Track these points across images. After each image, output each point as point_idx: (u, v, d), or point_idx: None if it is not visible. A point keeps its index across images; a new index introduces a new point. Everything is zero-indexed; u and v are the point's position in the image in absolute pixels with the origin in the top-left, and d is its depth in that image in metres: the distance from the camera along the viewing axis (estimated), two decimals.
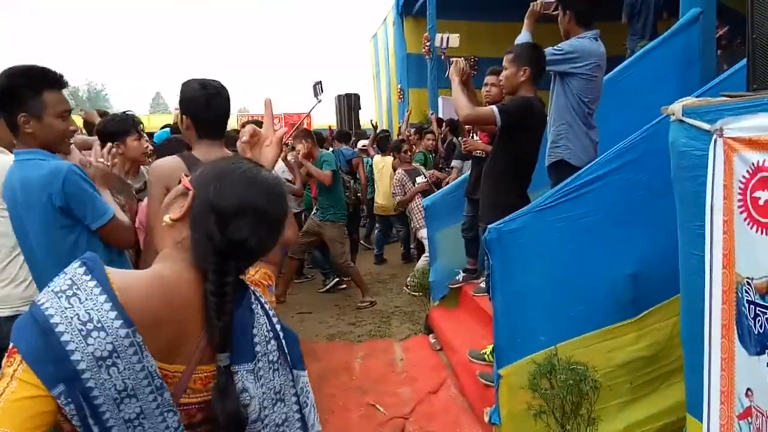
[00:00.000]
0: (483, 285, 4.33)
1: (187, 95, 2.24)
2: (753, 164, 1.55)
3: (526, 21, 3.59)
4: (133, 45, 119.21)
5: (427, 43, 10.05)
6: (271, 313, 1.18)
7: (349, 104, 13.04)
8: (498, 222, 2.77)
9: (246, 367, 1.08)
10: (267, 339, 1.13)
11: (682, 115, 1.74)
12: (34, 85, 2.05)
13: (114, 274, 0.96)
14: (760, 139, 1.50)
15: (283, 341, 1.16)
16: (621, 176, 2.67)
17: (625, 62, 4.32)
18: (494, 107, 3.18)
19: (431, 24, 9.93)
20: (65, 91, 2.18)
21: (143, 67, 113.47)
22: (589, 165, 2.78)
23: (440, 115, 10.16)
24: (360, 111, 13.86)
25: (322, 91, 7.83)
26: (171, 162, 2.21)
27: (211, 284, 1.04)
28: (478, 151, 4.51)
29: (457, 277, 4.80)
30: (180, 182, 1.14)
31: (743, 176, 1.59)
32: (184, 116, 2.25)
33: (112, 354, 0.89)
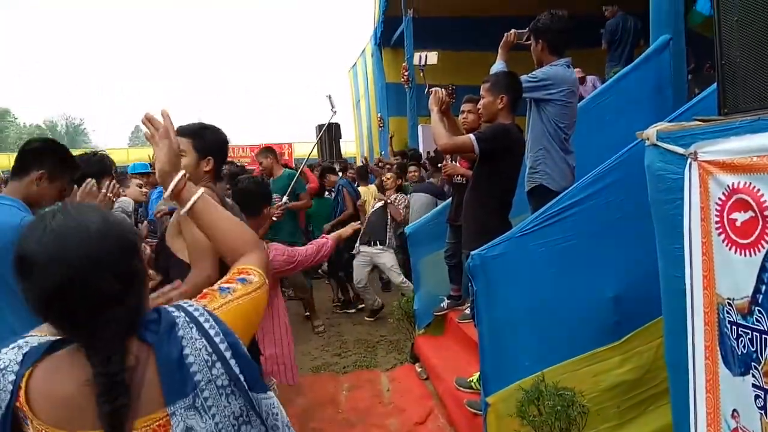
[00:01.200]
0: (468, 311, 4.32)
1: (219, 141, 2.40)
2: (728, 186, 1.57)
3: (500, 51, 3.66)
4: (111, 78, 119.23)
5: (406, 73, 10.20)
6: (212, 332, 1.06)
7: (330, 134, 13.11)
8: (481, 248, 2.78)
9: (183, 404, 1.00)
10: (209, 364, 1.03)
11: (657, 140, 1.77)
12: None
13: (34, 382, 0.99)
14: (733, 162, 1.53)
15: (232, 362, 1.05)
16: (600, 200, 2.70)
17: (600, 88, 4.41)
18: (472, 135, 3.22)
19: (409, 54, 10.08)
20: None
21: (121, 100, 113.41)
22: (567, 190, 2.81)
23: (421, 143, 10.26)
24: (341, 140, 13.95)
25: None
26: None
27: (95, 366, 0.96)
28: (458, 178, 4.53)
29: (442, 305, 4.78)
30: None
31: (719, 198, 1.61)
32: (208, 158, 2.35)
33: None
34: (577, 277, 2.74)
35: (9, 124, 61.65)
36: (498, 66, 3.57)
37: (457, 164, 4.65)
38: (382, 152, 11.73)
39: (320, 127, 12.99)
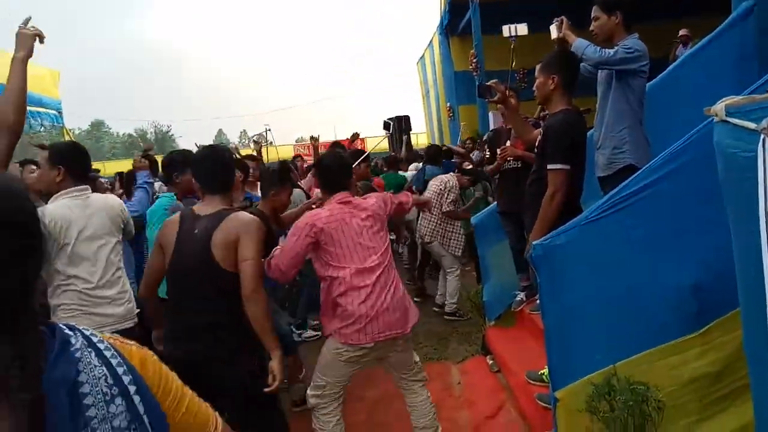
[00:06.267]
0: (539, 302, 4.19)
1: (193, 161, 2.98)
2: None
3: (568, 34, 3.50)
4: (194, 84, 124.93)
5: (474, 60, 10.02)
6: (114, 362, 0.89)
7: (399, 126, 13.09)
8: (544, 237, 2.68)
9: None
10: (107, 398, 0.85)
11: (726, 116, 1.63)
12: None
13: None
14: None
15: (136, 398, 0.89)
16: (673, 181, 2.52)
17: (677, 62, 4.15)
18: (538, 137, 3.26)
19: (477, 41, 9.91)
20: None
21: (205, 106, 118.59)
22: (636, 173, 2.65)
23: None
24: (411, 132, 13.90)
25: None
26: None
27: None
28: (512, 162, 4.42)
29: (518, 299, 4.66)
30: None
31: None
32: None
33: None
34: (650, 264, 2.58)
35: (103, 134, 66.09)
36: (578, 45, 3.33)
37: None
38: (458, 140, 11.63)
39: (386, 122, 13.03)
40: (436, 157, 7.39)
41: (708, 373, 2.52)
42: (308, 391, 3.02)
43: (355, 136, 7.99)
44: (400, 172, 8.15)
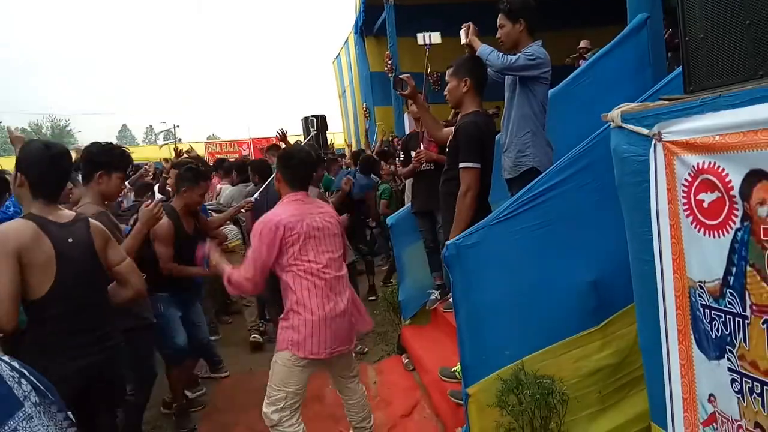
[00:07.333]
0: (452, 300, 4.28)
1: (26, 155, 2.32)
2: (694, 167, 1.53)
3: (475, 39, 3.59)
4: (96, 78, 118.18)
5: (389, 61, 10.10)
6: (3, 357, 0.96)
7: (316, 125, 12.97)
8: (456, 237, 2.74)
9: (21, 415, 0.94)
10: (17, 380, 0.96)
11: (621, 122, 1.73)
12: None
13: None
14: (697, 141, 1.49)
15: (33, 377, 0.99)
16: (575, 183, 2.65)
17: (577, 70, 4.36)
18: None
19: (392, 42, 9.98)
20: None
21: (108, 100, 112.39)
22: (540, 176, 2.76)
23: (408, 132, 10.18)
24: (327, 132, 13.81)
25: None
26: (21, 225, 2.24)
27: None
28: (426, 164, 4.52)
29: (432, 297, 4.73)
30: None
31: (686, 179, 1.57)
32: (19, 174, 2.32)
33: None
34: (555, 262, 2.70)
35: None
36: (483, 50, 3.41)
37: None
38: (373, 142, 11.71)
39: (305, 119, 12.89)
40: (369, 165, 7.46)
41: (608, 365, 2.67)
42: (265, 409, 2.88)
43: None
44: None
